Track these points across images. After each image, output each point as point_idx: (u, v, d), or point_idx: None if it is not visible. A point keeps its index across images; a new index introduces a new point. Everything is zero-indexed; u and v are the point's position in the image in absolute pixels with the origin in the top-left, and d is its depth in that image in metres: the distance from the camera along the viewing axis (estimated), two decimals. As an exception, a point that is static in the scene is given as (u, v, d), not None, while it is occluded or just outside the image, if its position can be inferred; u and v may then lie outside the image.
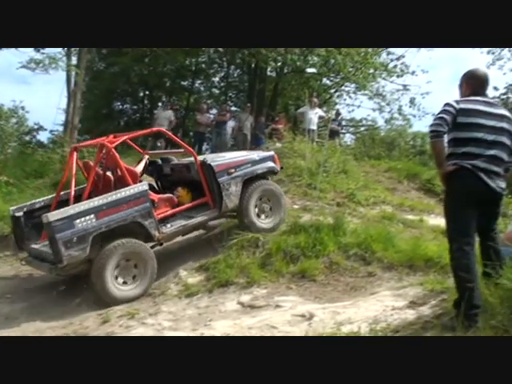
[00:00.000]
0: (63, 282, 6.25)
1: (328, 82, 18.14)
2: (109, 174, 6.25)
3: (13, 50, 10.43)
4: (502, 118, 3.37)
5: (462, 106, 3.34)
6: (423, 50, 17.68)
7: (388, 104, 18.30)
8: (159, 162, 7.11)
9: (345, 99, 19.78)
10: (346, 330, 3.66)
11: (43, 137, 16.23)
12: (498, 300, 3.09)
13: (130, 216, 5.57)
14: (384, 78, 17.19)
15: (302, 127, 12.31)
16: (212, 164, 6.21)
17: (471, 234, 3.29)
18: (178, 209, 6.22)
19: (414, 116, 18.16)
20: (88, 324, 5.02)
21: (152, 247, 5.98)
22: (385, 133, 17.91)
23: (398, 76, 17.21)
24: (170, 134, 7.15)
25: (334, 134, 12.43)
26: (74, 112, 11.30)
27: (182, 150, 6.71)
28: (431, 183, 10.51)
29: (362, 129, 20.37)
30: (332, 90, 19.20)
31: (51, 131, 15.11)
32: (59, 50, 11.61)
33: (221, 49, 15.66)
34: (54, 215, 5.22)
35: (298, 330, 4.01)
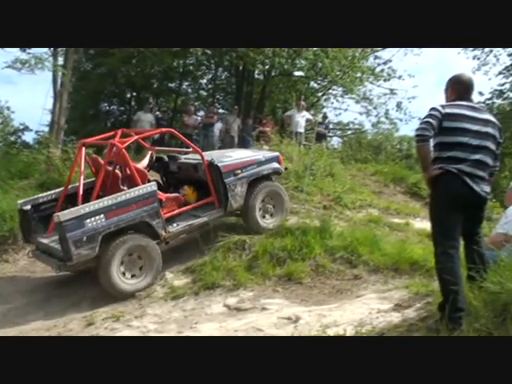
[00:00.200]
0: (47, 285, 6.19)
1: (315, 85, 18.23)
2: (117, 171, 6.26)
3: (-2, 49, 10.29)
4: (486, 122, 3.40)
5: (448, 110, 3.36)
6: (410, 54, 17.98)
7: (375, 108, 18.53)
8: (165, 158, 7.19)
9: (332, 102, 19.97)
10: (331, 333, 3.68)
11: (29, 137, 16.08)
12: (482, 303, 3.11)
13: (138, 216, 5.67)
14: (371, 82, 17.35)
15: (289, 130, 12.33)
16: (219, 165, 6.31)
17: (456, 238, 3.31)
18: (184, 208, 6.32)
19: (401, 120, 18.40)
20: (72, 326, 4.98)
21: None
22: (371, 136, 17.97)
23: (384, 80, 17.45)
24: (179, 134, 7.20)
25: (320, 137, 12.49)
26: (61, 112, 11.15)
27: (189, 150, 6.84)
28: (417, 187, 10.61)
29: (349, 132, 20.48)
30: (319, 94, 19.29)
31: (37, 132, 15.04)
32: (45, 50, 11.48)
33: (208, 51, 15.59)
34: (65, 215, 5.27)
35: (284, 333, 4.02)
